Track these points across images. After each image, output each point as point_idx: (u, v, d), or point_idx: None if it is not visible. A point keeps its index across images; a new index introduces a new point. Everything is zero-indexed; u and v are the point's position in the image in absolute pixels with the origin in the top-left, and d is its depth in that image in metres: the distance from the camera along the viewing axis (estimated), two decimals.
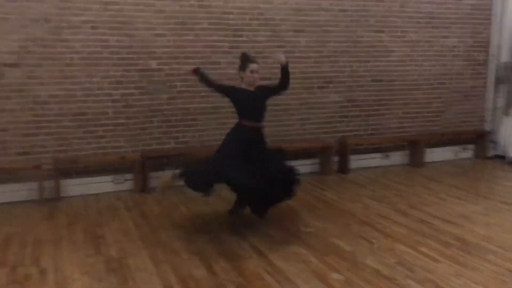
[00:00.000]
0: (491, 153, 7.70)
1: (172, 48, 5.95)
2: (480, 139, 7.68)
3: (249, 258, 3.90)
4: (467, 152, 7.74)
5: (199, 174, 4.35)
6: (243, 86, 4.55)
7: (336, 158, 6.80)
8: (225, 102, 6.24)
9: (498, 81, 7.64)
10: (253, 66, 4.47)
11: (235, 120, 6.31)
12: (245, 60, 4.53)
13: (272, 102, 6.48)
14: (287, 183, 4.51)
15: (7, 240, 4.35)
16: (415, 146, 7.16)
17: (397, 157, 7.29)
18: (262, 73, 6.32)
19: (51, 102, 5.56)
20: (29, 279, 3.57)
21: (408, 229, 4.51)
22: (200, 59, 6.08)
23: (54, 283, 3.51)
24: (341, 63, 6.79)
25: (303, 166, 6.72)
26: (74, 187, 5.74)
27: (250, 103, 4.50)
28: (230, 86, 4.67)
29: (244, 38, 6.25)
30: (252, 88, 4.53)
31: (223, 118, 6.29)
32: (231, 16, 6.15)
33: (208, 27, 6.07)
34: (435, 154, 7.43)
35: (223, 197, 5.63)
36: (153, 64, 5.90)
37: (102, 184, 5.87)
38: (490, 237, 4.31)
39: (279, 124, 6.58)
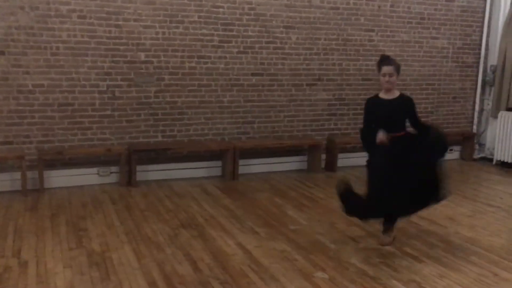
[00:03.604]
0: (477, 155, 7.76)
1: (161, 41, 5.88)
2: (467, 141, 7.73)
3: (234, 255, 3.86)
4: (453, 154, 7.78)
5: (362, 206, 4.02)
6: (381, 94, 4.14)
7: (324, 156, 6.79)
8: (213, 97, 6.24)
9: (486, 83, 7.69)
10: (385, 68, 3.99)
11: (222, 115, 6.32)
12: (380, 61, 4.09)
13: (260, 98, 6.50)
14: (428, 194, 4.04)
15: None
16: None
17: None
18: (252, 69, 6.36)
19: (36, 91, 5.46)
20: (9, 271, 3.49)
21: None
22: (189, 53, 6.02)
23: (35, 275, 3.44)
24: (331, 61, 6.77)
25: (290, 163, 6.74)
26: (59, 178, 5.65)
27: (384, 113, 4.04)
28: (366, 107, 4.24)
29: (234, 33, 6.20)
30: (389, 96, 4.07)
31: (210, 113, 6.25)
32: (221, 10, 6.09)
33: (198, 20, 6.01)
34: None
35: (210, 192, 5.60)
36: (142, 56, 5.83)
37: (87, 176, 5.79)
38: (475, 239, 4.33)
39: (268, 121, 6.55)
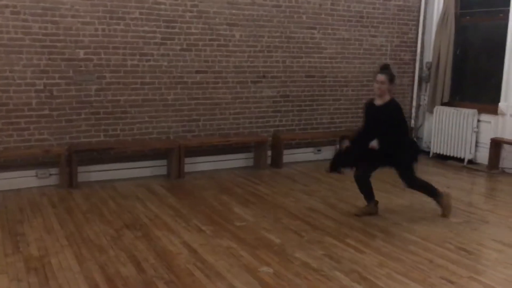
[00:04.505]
0: None
1: (101, 37, 5.72)
2: None
3: (180, 254, 3.84)
4: None
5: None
6: (376, 98, 4.72)
7: (269, 153, 6.86)
8: (156, 95, 6.15)
9: (422, 79, 8.04)
10: (378, 76, 4.58)
11: (167, 114, 6.24)
12: (378, 69, 4.75)
13: (205, 96, 6.48)
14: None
15: None
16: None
17: (329, 152, 7.44)
18: (196, 67, 6.32)
19: None
20: None
21: (337, 222, 4.64)
22: (130, 50, 5.90)
23: None
24: (275, 58, 6.84)
25: (237, 161, 6.75)
26: None
27: (371, 117, 4.72)
28: (363, 109, 4.99)
29: (177, 30, 6.14)
30: (379, 102, 4.64)
31: (154, 112, 6.16)
32: (163, 6, 6.01)
33: (139, 17, 5.89)
34: None
35: (155, 191, 5.53)
36: (81, 53, 5.65)
37: (25, 179, 5.55)
38: (412, 229, 4.52)
39: (213, 118, 6.53)
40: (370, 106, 4.77)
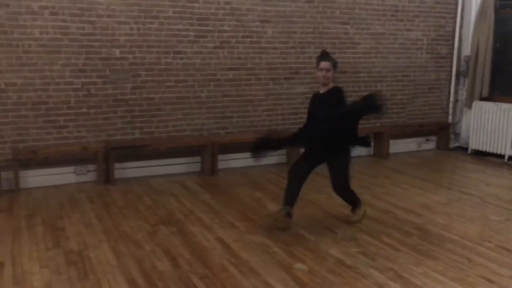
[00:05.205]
0: (453, 144, 7.89)
1: (136, 36, 5.82)
2: (442, 130, 7.86)
3: (214, 250, 3.87)
4: (430, 144, 7.91)
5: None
6: (320, 88, 4.43)
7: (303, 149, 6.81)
8: (190, 93, 6.21)
9: (460, 74, 7.82)
10: (323, 63, 4.27)
11: (200, 111, 6.30)
12: (319, 57, 4.38)
13: (238, 93, 6.50)
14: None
15: None
16: (379, 138, 7.26)
17: (362, 148, 7.37)
18: (228, 64, 6.35)
19: (8, 90, 5.36)
20: None
21: (371, 219, 4.57)
22: (164, 48, 5.97)
23: (11, 277, 3.39)
24: (307, 54, 6.80)
25: (270, 157, 6.72)
26: (34, 178, 5.56)
27: (314, 107, 4.37)
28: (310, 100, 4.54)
29: (210, 28, 6.18)
30: (323, 90, 4.35)
31: (188, 109, 6.23)
32: (196, 5, 6.06)
33: (173, 15, 5.96)
34: (399, 145, 7.57)
35: (189, 188, 5.59)
36: (117, 52, 5.76)
37: (64, 175, 5.72)
38: (450, 226, 4.42)
39: (246, 115, 6.55)
40: (314, 97, 4.47)
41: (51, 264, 3.59)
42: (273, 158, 6.76)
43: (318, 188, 5.62)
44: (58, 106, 5.60)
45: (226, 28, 6.26)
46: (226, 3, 6.21)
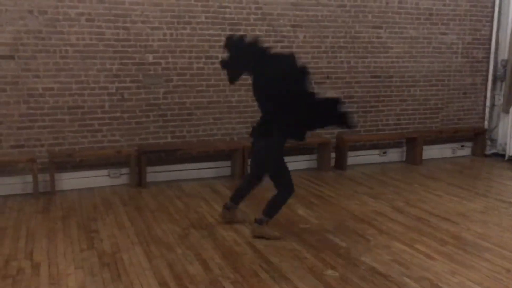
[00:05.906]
0: (489, 151, 7.68)
1: (169, 42, 5.90)
2: (478, 136, 7.66)
3: (245, 255, 3.87)
4: (465, 150, 7.71)
5: None
6: None
7: (333, 154, 6.77)
8: (221, 97, 6.25)
9: (497, 78, 7.61)
10: None
11: (231, 115, 6.33)
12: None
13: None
14: None
15: (0, 233, 4.31)
16: (412, 143, 7.13)
17: (395, 154, 7.26)
18: None
19: (46, 95, 5.51)
20: (22, 273, 3.53)
21: (405, 227, 4.49)
22: (196, 53, 6.03)
23: (47, 277, 3.48)
24: (339, 59, 6.74)
25: (300, 162, 6.71)
26: (69, 180, 5.69)
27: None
28: None
29: (242, 33, 6.19)
30: None
31: (219, 113, 6.26)
32: (228, 10, 6.10)
33: (205, 21, 6.02)
34: (432, 151, 7.41)
35: (220, 192, 5.61)
36: (150, 57, 5.85)
37: (98, 178, 5.83)
38: (487, 235, 4.29)
39: None
40: None
41: (86, 265, 3.66)
42: (303, 163, 6.72)
43: (350, 194, 5.57)
44: (93, 110, 5.72)
45: (257, 32, 6.27)
46: (258, 8, 6.23)
